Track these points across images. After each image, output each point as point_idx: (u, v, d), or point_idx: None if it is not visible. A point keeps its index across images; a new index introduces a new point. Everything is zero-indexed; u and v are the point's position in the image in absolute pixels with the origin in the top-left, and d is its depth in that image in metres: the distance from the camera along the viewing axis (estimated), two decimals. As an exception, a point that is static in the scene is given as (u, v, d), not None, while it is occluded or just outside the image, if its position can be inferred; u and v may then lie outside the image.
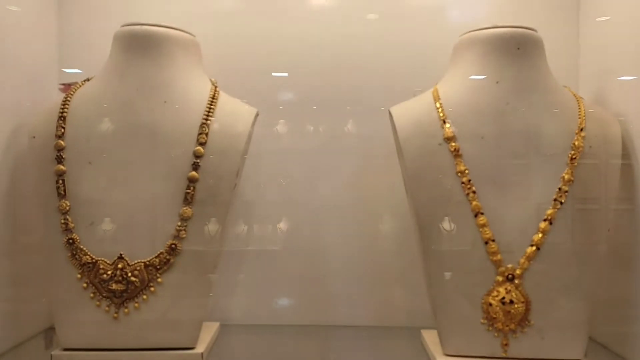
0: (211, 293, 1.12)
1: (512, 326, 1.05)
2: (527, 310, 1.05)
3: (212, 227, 1.10)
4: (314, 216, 1.41)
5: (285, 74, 1.42)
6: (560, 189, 1.06)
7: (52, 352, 1.07)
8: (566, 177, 1.06)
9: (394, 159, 1.22)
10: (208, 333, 1.19)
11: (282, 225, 1.41)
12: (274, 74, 1.42)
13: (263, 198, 1.41)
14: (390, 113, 1.17)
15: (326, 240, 1.41)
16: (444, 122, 1.10)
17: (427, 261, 1.10)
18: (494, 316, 1.05)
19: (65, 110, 1.11)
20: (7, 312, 1.18)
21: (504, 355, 1.06)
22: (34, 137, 1.11)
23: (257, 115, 1.19)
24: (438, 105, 1.12)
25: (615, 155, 1.10)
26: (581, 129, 1.09)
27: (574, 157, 1.07)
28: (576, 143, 1.07)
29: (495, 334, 1.06)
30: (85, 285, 1.07)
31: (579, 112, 1.11)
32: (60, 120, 1.10)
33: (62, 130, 1.10)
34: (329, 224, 1.41)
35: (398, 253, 1.39)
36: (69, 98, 1.13)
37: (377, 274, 1.40)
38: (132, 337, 1.07)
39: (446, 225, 1.08)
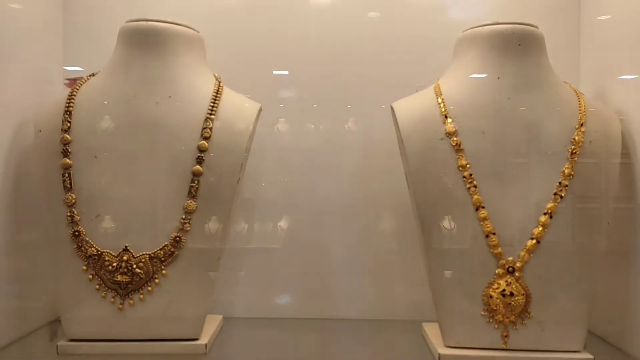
0: (212, 290, 1.13)
1: (513, 318, 1.06)
2: (527, 302, 1.06)
3: (215, 220, 1.11)
4: (315, 214, 1.41)
5: (286, 72, 1.43)
6: (560, 183, 1.07)
7: (58, 343, 1.08)
8: (566, 171, 1.08)
9: (394, 156, 1.23)
10: (212, 325, 1.20)
11: (283, 223, 1.42)
12: (274, 71, 1.42)
13: (264, 196, 1.42)
14: (392, 108, 1.18)
15: (327, 236, 1.42)
16: (446, 117, 1.11)
17: (428, 255, 1.11)
18: (495, 308, 1.06)
19: (71, 104, 1.12)
20: (13, 304, 1.19)
21: (504, 347, 1.07)
22: (39, 131, 1.12)
23: (260, 110, 1.20)
24: (440, 100, 1.13)
25: (615, 152, 1.11)
26: (581, 124, 1.10)
27: (574, 151, 1.08)
28: (576, 138, 1.09)
29: (496, 326, 1.07)
30: (90, 277, 1.08)
31: (580, 107, 1.12)
32: (66, 114, 1.11)
33: (68, 124, 1.11)
34: (330, 221, 1.41)
35: (398, 246, 1.40)
36: (74, 93, 1.14)
37: (378, 267, 1.41)
38: (137, 329, 1.08)
39: (447, 219, 1.09)
